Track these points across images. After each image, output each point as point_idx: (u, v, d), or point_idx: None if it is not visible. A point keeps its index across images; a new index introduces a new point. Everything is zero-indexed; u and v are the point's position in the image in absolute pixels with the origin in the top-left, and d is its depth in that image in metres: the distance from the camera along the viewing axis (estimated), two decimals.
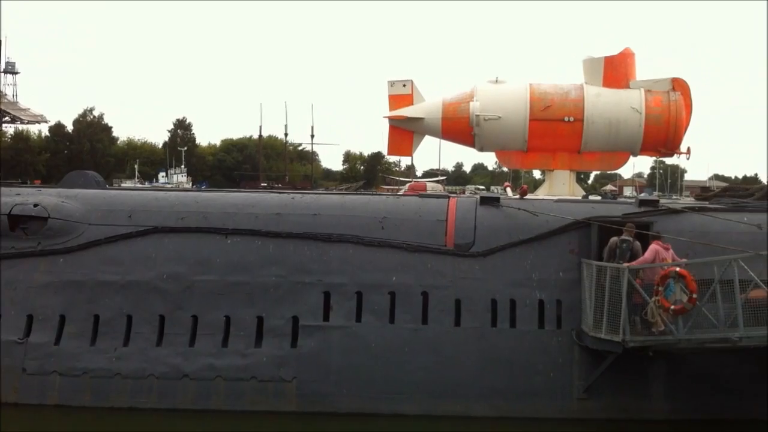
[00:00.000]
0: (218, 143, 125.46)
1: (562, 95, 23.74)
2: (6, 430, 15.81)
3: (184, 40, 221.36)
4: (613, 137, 23.73)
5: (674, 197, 71.62)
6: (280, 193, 21.24)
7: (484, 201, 19.35)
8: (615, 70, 24.03)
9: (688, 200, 27.77)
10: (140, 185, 73.46)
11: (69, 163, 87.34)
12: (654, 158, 30.57)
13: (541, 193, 24.48)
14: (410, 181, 59.68)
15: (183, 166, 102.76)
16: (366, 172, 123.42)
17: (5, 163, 76.40)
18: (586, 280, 17.01)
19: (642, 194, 36.99)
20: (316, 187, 69.57)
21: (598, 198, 25.30)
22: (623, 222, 17.63)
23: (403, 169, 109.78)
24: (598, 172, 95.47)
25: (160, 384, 17.33)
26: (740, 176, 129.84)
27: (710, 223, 18.14)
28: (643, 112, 23.44)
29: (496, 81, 24.55)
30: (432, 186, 52.12)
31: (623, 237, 17.02)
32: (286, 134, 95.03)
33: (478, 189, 78.78)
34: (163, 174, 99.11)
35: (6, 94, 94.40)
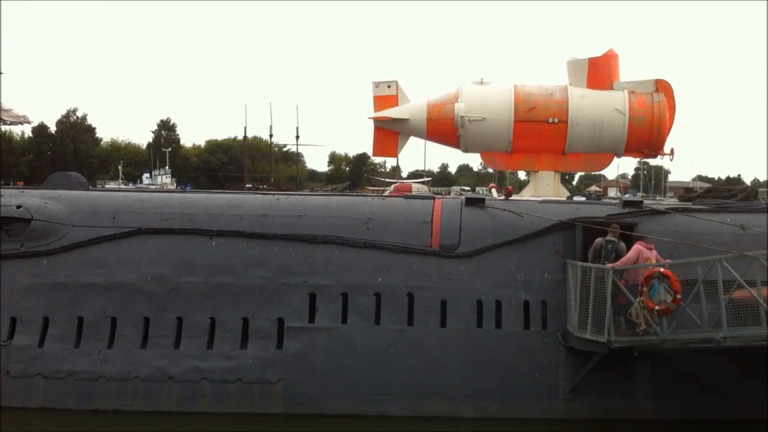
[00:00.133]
0: (203, 144, 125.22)
1: (546, 96, 23.79)
2: None
3: (168, 40, 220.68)
4: (597, 138, 23.81)
5: (658, 198, 72.07)
6: (265, 194, 21.20)
7: (470, 202, 19.38)
8: (599, 72, 24.10)
9: (671, 201, 27.92)
10: (124, 186, 73.09)
11: (52, 165, 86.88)
12: (638, 159, 30.62)
13: (526, 194, 24.53)
14: (395, 182, 59.61)
15: (167, 168, 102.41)
16: (351, 173, 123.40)
17: None
18: (571, 280, 17.09)
19: (626, 195, 37.11)
20: (302, 189, 69.39)
21: (583, 199, 25.35)
22: (608, 223, 17.70)
23: (388, 170, 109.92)
24: (582, 173, 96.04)
25: (145, 386, 17.26)
26: (723, 177, 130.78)
27: (694, 224, 18.24)
28: (627, 114, 23.52)
29: (481, 82, 24.57)
30: (417, 187, 52.03)
31: (608, 238, 17.09)
32: (271, 135, 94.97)
33: (464, 190, 78.96)
34: (147, 175, 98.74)
35: None
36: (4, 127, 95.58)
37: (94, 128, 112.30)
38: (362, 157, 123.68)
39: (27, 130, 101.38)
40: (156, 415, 17.05)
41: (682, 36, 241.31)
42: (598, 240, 17.26)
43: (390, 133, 25.32)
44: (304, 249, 18.27)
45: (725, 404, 17.05)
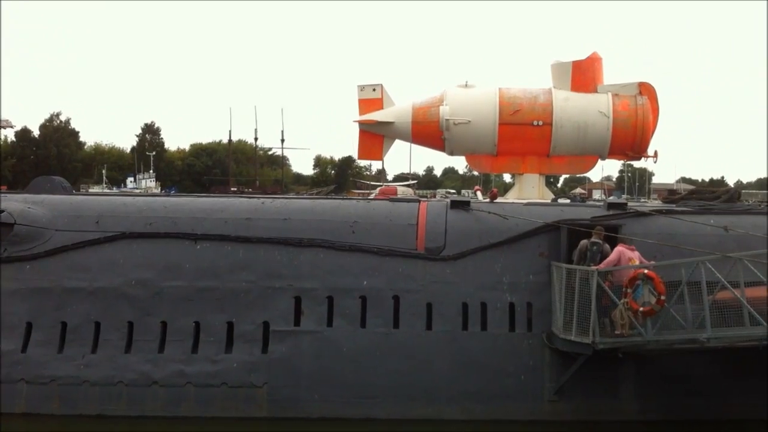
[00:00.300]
0: (187, 148, 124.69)
1: (531, 99, 23.85)
2: None
3: (153, 43, 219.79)
4: (582, 141, 23.89)
5: (642, 200, 72.44)
6: (250, 197, 21.13)
7: (455, 205, 19.38)
8: (583, 75, 24.18)
9: (655, 203, 28.04)
10: (108, 191, 72.75)
11: (35, 169, 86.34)
12: (622, 162, 30.71)
13: (511, 197, 24.58)
14: (381, 186, 59.69)
15: (151, 171, 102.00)
16: (337, 176, 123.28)
17: None
18: (556, 282, 17.13)
19: (610, 197, 37.26)
20: (287, 192, 69.28)
21: (567, 201, 25.43)
22: (592, 225, 17.76)
23: (373, 173, 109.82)
24: (567, 176, 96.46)
25: (129, 391, 17.17)
26: (707, 179, 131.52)
27: (678, 226, 18.33)
28: (611, 116, 23.61)
29: (466, 85, 24.60)
30: (403, 190, 52.22)
31: (593, 240, 17.15)
32: (256, 138, 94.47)
33: (449, 193, 79.16)
34: (132, 179, 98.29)
35: None
36: None
37: (78, 132, 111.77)
38: (347, 161, 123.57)
39: (10, 135, 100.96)
40: (140, 419, 16.97)
41: (665, 39, 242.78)
42: (583, 242, 17.31)
43: (375, 136, 25.32)
44: (290, 252, 18.21)
45: (709, 404, 17.14)
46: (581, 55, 24.64)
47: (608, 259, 16.46)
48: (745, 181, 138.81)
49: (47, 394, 17.14)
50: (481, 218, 18.80)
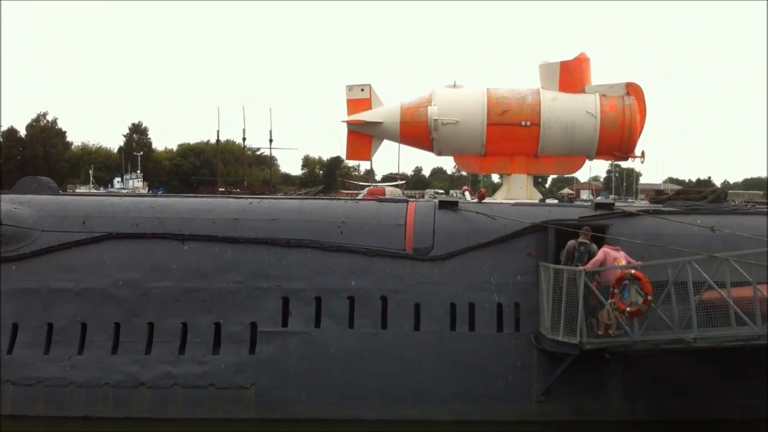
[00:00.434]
0: (175, 148, 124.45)
1: (519, 100, 23.87)
2: None
3: (139, 43, 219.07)
4: (569, 141, 23.93)
5: (629, 200, 72.66)
6: (237, 198, 21.07)
7: (443, 205, 19.39)
8: (570, 75, 24.22)
9: (643, 203, 28.11)
10: (95, 191, 72.42)
11: (22, 169, 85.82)
12: (610, 162, 30.79)
13: (499, 197, 24.60)
14: (369, 186, 59.64)
15: (139, 171, 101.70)
16: (325, 176, 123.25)
17: None
18: (544, 283, 17.15)
19: (598, 197, 37.35)
20: (275, 192, 69.14)
21: (555, 201, 25.46)
22: (580, 225, 17.79)
23: (362, 173, 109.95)
24: (555, 176, 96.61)
25: (115, 392, 17.10)
26: (694, 179, 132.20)
27: (665, 226, 18.39)
28: (599, 117, 23.65)
29: (454, 85, 24.60)
30: (391, 190, 52.14)
31: (580, 240, 17.18)
32: (244, 138, 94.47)
33: (437, 193, 79.20)
34: (119, 179, 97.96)
35: None
36: None
37: (65, 132, 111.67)
38: (336, 161, 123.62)
39: None
40: (127, 421, 16.91)
41: (652, 40, 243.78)
42: (571, 242, 17.35)
43: (363, 136, 25.29)
44: (278, 253, 18.17)
45: (697, 404, 17.20)
46: (569, 56, 24.70)
47: (594, 260, 16.50)
48: (731, 182, 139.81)
49: (33, 396, 17.05)
50: (469, 218, 18.81)
